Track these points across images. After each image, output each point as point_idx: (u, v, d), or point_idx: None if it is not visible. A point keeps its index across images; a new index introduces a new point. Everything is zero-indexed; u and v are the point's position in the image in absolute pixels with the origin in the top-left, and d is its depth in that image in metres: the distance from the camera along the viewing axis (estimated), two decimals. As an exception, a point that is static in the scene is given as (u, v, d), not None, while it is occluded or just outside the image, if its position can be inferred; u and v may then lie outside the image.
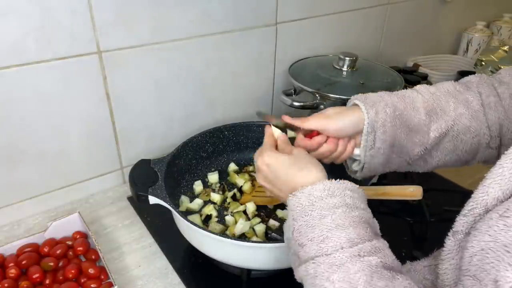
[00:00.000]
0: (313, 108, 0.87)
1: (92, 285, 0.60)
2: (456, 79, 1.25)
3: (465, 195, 0.89)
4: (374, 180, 0.71)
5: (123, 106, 0.78)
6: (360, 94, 0.61)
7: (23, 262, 0.62)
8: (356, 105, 0.59)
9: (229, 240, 0.58)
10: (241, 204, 0.75)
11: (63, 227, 0.68)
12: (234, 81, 0.92)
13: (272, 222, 0.72)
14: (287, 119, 0.60)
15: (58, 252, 0.65)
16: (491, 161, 0.61)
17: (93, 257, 0.65)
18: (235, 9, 0.83)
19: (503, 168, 0.40)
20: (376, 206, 0.82)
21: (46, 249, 0.65)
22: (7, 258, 0.63)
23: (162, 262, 0.68)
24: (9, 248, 0.64)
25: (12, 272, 0.61)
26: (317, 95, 0.86)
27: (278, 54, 0.96)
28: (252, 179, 0.81)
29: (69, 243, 0.67)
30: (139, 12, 0.71)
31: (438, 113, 0.58)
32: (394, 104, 0.58)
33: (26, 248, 0.65)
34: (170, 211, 0.63)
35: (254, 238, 0.68)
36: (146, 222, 0.75)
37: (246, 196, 0.77)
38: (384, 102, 0.58)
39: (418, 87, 0.62)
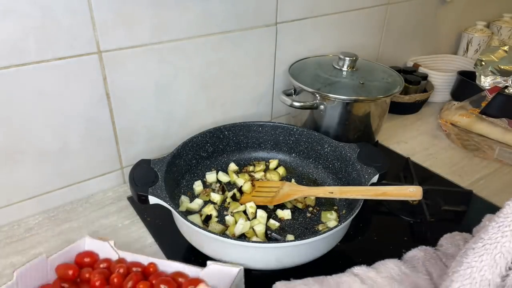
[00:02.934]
0: (313, 108, 0.87)
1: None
2: (456, 79, 1.25)
3: (465, 195, 0.89)
4: (374, 180, 0.71)
5: (123, 106, 0.78)
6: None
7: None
8: None
9: (229, 240, 0.58)
10: (241, 204, 0.75)
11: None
12: (234, 81, 0.92)
13: (272, 222, 0.72)
14: None
15: None
16: None
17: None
18: (235, 9, 0.83)
19: (471, 268, 0.35)
20: (376, 206, 0.83)
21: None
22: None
23: (162, 262, 0.68)
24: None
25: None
26: (317, 95, 0.86)
27: (278, 54, 0.96)
28: (252, 179, 0.81)
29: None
30: (139, 12, 0.71)
31: None
32: None
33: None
34: (170, 211, 0.63)
35: (254, 238, 0.68)
36: (146, 222, 0.75)
37: (246, 196, 0.77)
38: None
39: (357, 269, 0.53)
